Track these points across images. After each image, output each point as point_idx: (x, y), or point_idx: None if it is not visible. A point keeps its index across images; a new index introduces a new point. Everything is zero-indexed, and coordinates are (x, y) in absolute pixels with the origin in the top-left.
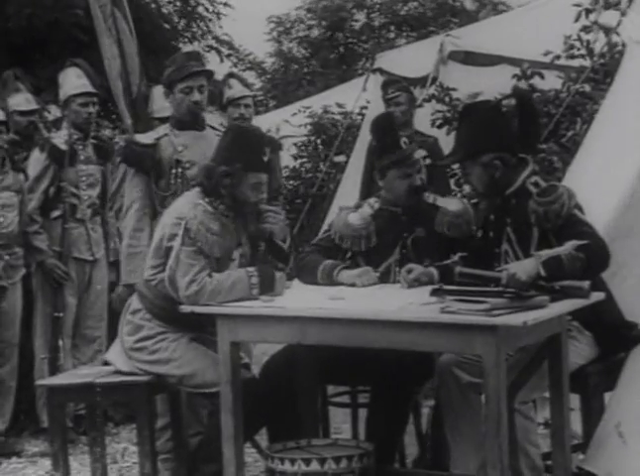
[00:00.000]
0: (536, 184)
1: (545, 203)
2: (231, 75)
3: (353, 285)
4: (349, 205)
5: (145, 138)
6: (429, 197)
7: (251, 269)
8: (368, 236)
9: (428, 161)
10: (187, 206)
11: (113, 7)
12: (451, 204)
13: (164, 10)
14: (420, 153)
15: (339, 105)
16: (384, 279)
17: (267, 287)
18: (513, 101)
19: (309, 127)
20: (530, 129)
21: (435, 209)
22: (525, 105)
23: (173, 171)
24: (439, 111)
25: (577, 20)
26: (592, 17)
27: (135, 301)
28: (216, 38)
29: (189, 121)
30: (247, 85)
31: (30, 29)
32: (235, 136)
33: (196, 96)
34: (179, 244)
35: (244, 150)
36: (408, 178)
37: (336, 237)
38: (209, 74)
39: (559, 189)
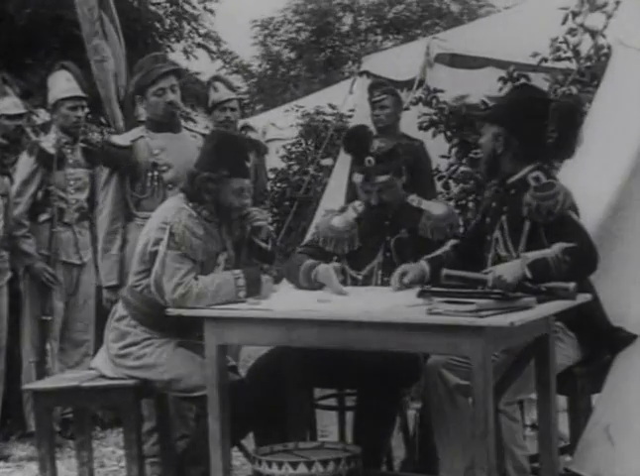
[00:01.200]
0: (537, 179)
1: (539, 198)
2: (216, 78)
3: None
4: (333, 209)
5: (120, 139)
6: (414, 201)
7: (237, 271)
8: (350, 239)
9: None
10: (172, 211)
11: (100, 10)
12: (435, 208)
13: (152, 7)
14: (382, 178)
15: (332, 106)
16: (367, 282)
17: (254, 289)
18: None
19: (300, 128)
20: (567, 142)
21: (419, 213)
22: (570, 115)
23: (150, 173)
24: (425, 114)
25: (564, 23)
26: (579, 19)
27: (120, 308)
28: (205, 35)
29: (166, 122)
30: (232, 88)
31: (30, 28)
32: (218, 142)
33: (170, 96)
34: (165, 248)
35: (227, 155)
36: (368, 193)
37: (320, 240)
38: (178, 73)
39: (555, 187)
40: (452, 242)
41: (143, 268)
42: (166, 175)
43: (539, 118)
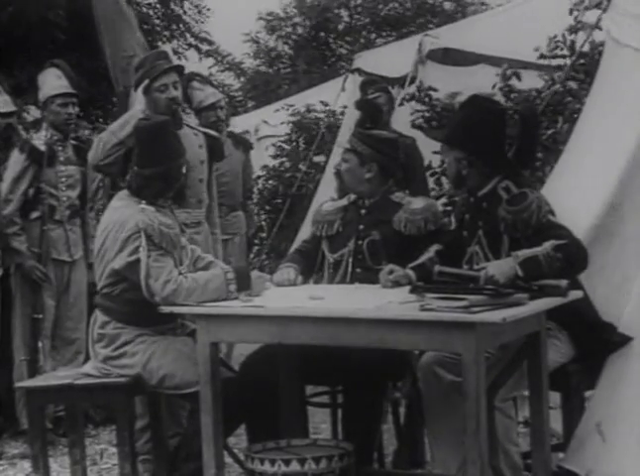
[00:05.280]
0: (507, 190)
1: (513, 212)
2: (195, 76)
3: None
4: (334, 196)
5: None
6: (397, 197)
7: (226, 266)
8: (331, 222)
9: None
10: (136, 217)
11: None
12: (414, 203)
13: (144, 9)
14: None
15: (324, 103)
16: (337, 267)
17: (244, 283)
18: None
19: (291, 125)
20: (530, 148)
21: (399, 207)
22: (529, 126)
23: None
24: (418, 111)
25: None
26: (579, 16)
27: (100, 315)
28: (195, 36)
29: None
30: (213, 84)
31: (13, 27)
32: (143, 135)
33: (173, 93)
34: (146, 252)
35: (171, 141)
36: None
37: (313, 226)
38: (180, 70)
39: (528, 198)
40: (435, 247)
41: (115, 279)
42: None
43: (497, 133)
